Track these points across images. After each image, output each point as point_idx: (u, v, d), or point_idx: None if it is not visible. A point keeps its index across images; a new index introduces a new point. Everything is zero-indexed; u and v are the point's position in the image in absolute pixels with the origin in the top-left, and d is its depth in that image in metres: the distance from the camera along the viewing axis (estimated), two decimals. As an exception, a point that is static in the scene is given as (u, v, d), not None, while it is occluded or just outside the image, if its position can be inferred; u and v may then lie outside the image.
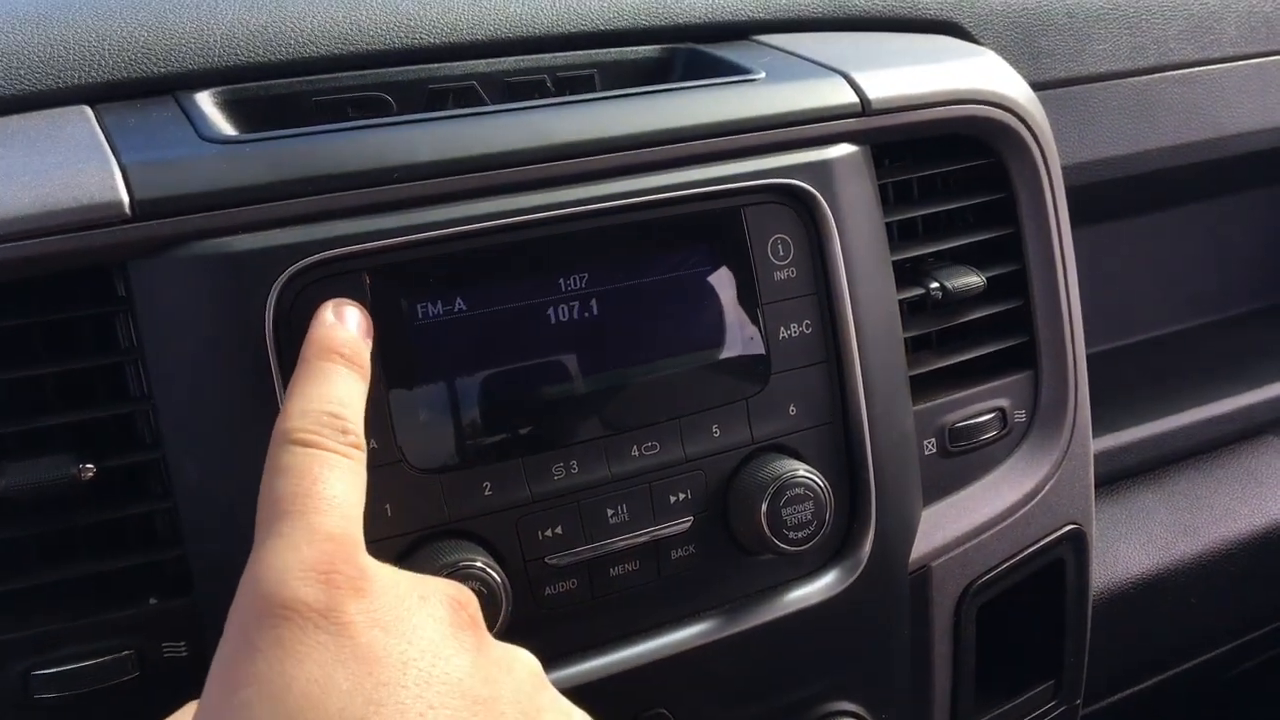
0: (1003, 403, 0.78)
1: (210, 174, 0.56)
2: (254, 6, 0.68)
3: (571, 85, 0.72)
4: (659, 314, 0.63)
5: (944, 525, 0.75)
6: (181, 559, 0.57)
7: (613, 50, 0.74)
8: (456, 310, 0.59)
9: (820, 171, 0.66)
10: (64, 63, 0.62)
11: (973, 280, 0.75)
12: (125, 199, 0.54)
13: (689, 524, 0.64)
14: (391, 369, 0.57)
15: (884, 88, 0.70)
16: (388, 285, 0.57)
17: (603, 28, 0.75)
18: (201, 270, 0.55)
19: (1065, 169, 0.80)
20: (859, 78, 0.70)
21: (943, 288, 0.74)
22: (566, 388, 0.61)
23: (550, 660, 0.58)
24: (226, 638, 0.44)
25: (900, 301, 0.72)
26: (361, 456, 0.50)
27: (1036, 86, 0.81)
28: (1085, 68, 0.96)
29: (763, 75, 0.69)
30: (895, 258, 0.72)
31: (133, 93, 0.63)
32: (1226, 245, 1.24)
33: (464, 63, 0.71)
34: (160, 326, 0.55)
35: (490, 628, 0.53)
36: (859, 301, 0.67)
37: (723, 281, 0.64)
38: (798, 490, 0.63)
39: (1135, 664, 1.06)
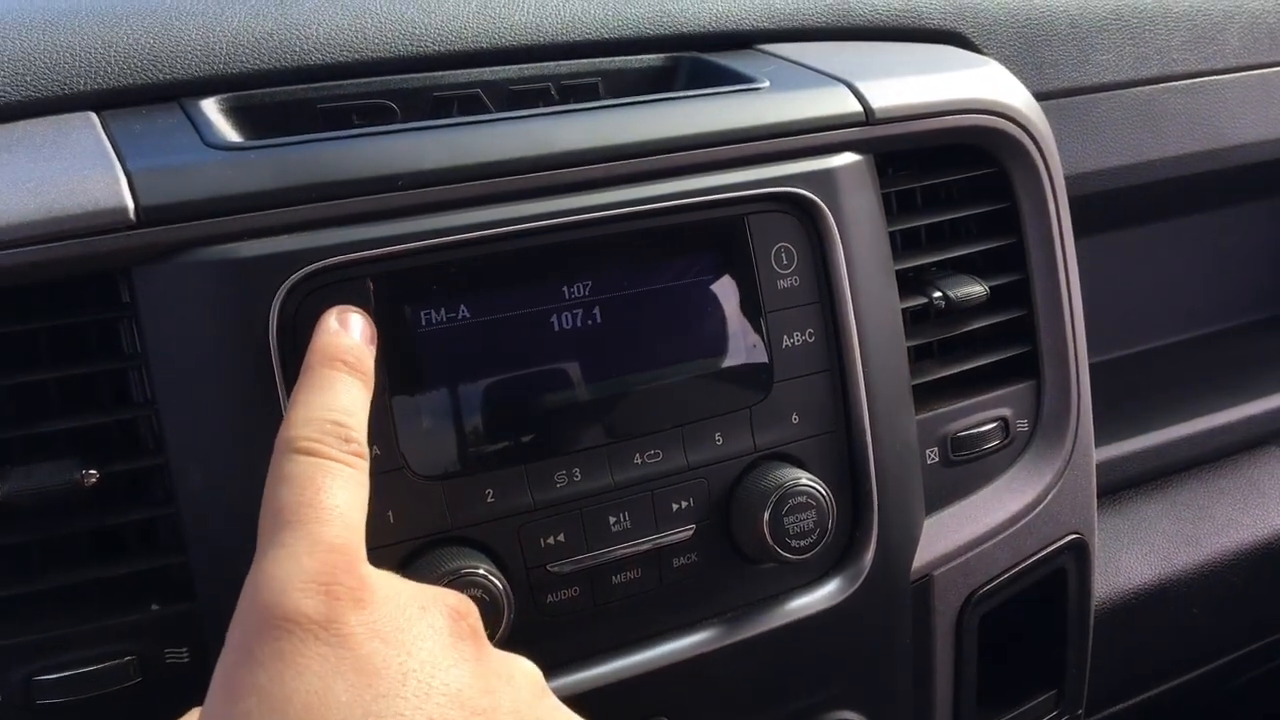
0: (1005, 412, 0.78)
1: (215, 180, 0.56)
2: (260, 14, 0.68)
3: (575, 93, 0.72)
4: (662, 322, 0.63)
5: (946, 534, 0.75)
6: (184, 565, 0.57)
7: (617, 59, 0.75)
8: (460, 317, 0.59)
9: (824, 180, 0.66)
10: (70, 69, 0.62)
11: (975, 290, 0.75)
12: (130, 205, 0.54)
13: (691, 532, 0.64)
14: (395, 375, 0.57)
15: (888, 97, 0.70)
16: (392, 292, 0.57)
17: (607, 36, 0.75)
18: (206, 276, 0.55)
19: (1068, 179, 0.80)
20: (863, 87, 0.70)
21: (945, 297, 0.74)
22: (569, 395, 0.61)
23: (551, 668, 0.58)
24: (228, 647, 0.44)
25: (903, 310, 0.72)
26: (364, 465, 0.50)
27: (1040, 96, 0.81)
28: (1088, 78, 0.96)
29: (766, 84, 0.69)
30: (898, 267, 0.72)
31: (138, 99, 0.64)
32: (1229, 256, 1.24)
33: (468, 71, 0.71)
34: (164, 332, 0.55)
35: (492, 635, 0.53)
36: (862, 310, 0.67)
37: (726, 290, 0.64)
38: (800, 499, 0.63)
39: (1137, 674, 1.06)
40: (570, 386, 0.61)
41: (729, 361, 0.65)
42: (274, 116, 0.65)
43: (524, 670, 0.49)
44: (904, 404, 0.71)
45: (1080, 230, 0.80)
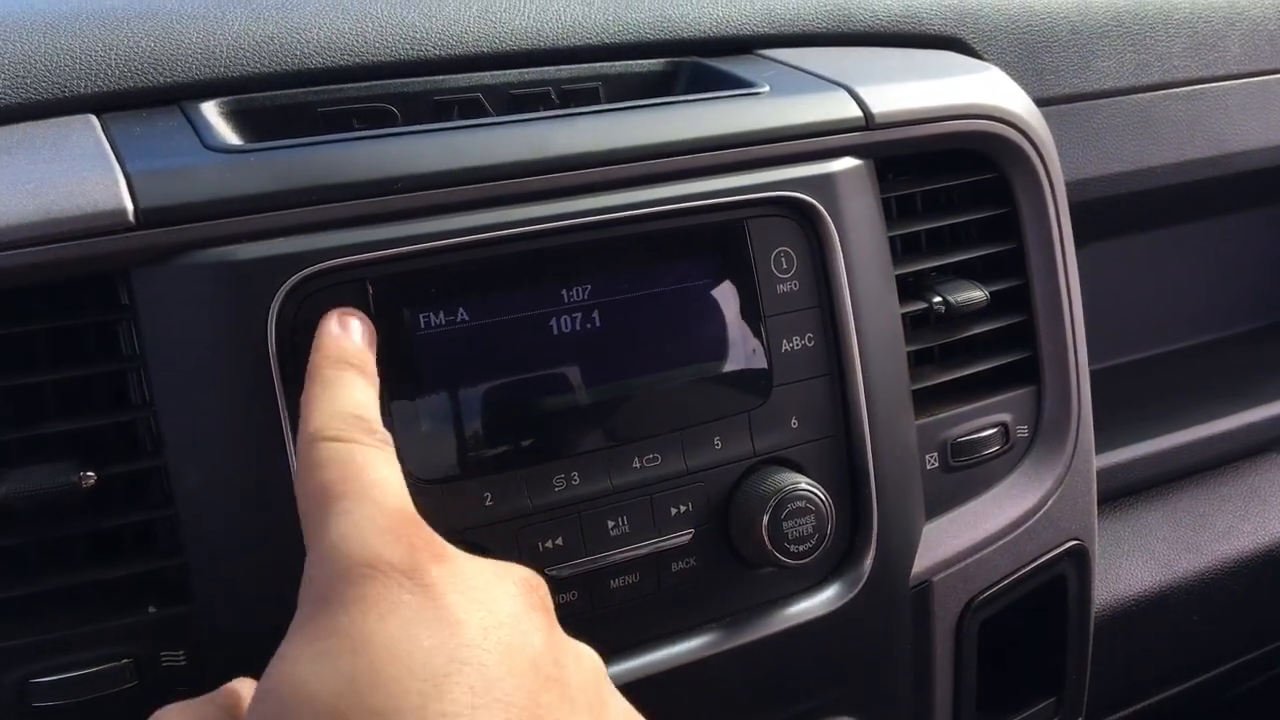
0: (1005, 418, 0.78)
1: (214, 183, 0.56)
2: (260, 17, 0.68)
3: (576, 98, 0.73)
4: (661, 326, 0.63)
5: (946, 540, 0.75)
6: (181, 567, 0.57)
7: (617, 63, 0.75)
8: (459, 321, 0.59)
9: (823, 185, 0.66)
10: (70, 72, 0.62)
11: (976, 295, 0.75)
12: (130, 207, 0.54)
13: (690, 536, 0.64)
14: (393, 378, 0.57)
15: (888, 102, 0.70)
16: (391, 295, 0.57)
17: (607, 41, 0.75)
18: (205, 278, 0.55)
19: (1068, 184, 0.80)
20: (863, 92, 0.70)
21: (945, 302, 0.74)
22: (568, 399, 0.61)
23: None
24: (302, 603, 0.44)
25: (903, 315, 0.72)
26: (393, 452, 0.50)
27: (1040, 102, 0.81)
28: (1089, 84, 0.96)
29: (766, 89, 0.69)
30: (898, 272, 0.72)
31: (138, 102, 0.64)
32: (1229, 262, 1.24)
33: (469, 74, 0.71)
34: (163, 334, 0.55)
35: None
36: (861, 315, 0.67)
37: (725, 294, 0.64)
38: (799, 503, 0.63)
39: (1137, 681, 1.06)
40: (569, 390, 0.61)
41: (728, 366, 0.65)
42: (274, 119, 0.65)
43: (589, 654, 0.49)
44: (904, 409, 0.71)
45: (1080, 236, 0.80)
